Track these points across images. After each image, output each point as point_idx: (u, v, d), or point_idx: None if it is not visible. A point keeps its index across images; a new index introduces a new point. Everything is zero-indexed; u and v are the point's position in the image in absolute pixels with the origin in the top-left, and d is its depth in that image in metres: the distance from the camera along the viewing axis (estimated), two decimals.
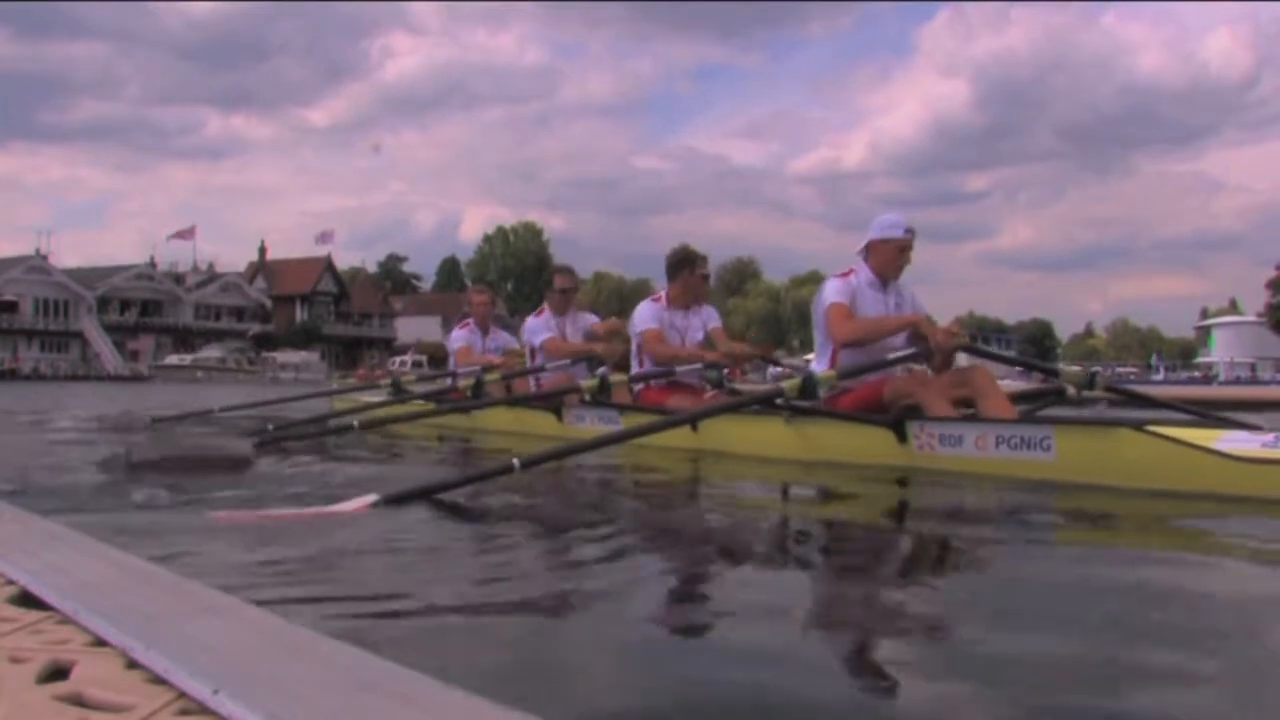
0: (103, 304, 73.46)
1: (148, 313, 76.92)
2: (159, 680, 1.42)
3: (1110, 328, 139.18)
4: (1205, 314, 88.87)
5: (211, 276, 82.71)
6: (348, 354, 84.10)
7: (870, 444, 5.24)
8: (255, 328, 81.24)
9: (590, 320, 8.88)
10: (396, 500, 3.91)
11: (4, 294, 68.93)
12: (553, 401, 7.56)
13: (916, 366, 5.77)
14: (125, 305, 75.89)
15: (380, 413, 8.23)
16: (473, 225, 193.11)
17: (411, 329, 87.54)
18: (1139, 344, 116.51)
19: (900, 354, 5.46)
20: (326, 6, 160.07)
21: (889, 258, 5.93)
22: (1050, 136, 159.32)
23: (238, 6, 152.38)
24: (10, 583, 1.98)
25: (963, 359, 5.96)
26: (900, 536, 3.75)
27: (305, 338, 79.79)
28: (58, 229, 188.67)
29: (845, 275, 5.97)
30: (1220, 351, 65.42)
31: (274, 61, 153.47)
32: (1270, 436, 4.19)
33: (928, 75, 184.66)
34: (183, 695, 1.37)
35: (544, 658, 2.09)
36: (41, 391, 29.36)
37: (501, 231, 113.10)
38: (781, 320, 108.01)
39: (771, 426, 5.76)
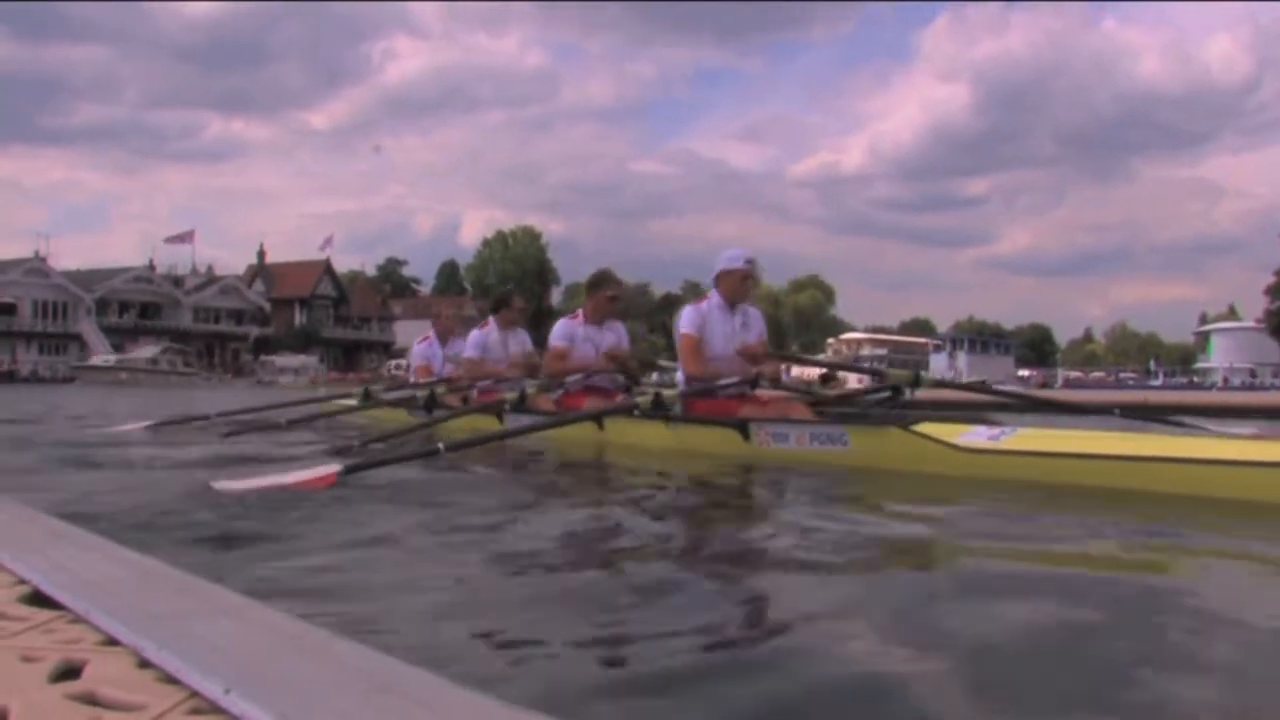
0: (101, 306, 73.59)
1: (146, 315, 76.99)
2: (171, 680, 1.42)
3: (1109, 333, 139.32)
4: (1204, 319, 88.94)
5: (210, 279, 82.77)
6: (347, 357, 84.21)
7: (725, 441, 6.63)
8: (254, 331, 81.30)
9: (525, 338, 10.16)
10: (355, 469, 4.85)
11: (2, 296, 69.08)
12: (495, 409, 8.38)
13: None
14: (124, 308, 76.01)
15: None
16: (472, 229, 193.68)
17: (410, 332, 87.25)
18: (1138, 349, 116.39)
19: (730, 382, 6.90)
20: (328, 8, 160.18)
21: (733, 285, 7.19)
22: (1050, 141, 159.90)
23: (237, 9, 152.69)
24: (22, 582, 1.98)
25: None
26: (736, 512, 4.89)
27: (304, 341, 79.82)
28: (57, 232, 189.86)
29: (699, 303, 7.33)
30: (1219, 357, 65.50)
31: (274, 65, 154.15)
32: (997, 431, 5.49)
33: (927, 79, 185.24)
34: (194, 695, 1.36)
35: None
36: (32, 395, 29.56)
37: (501, 235, 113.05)
38: (781, 324, 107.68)
39: (657, 429, 7.14)
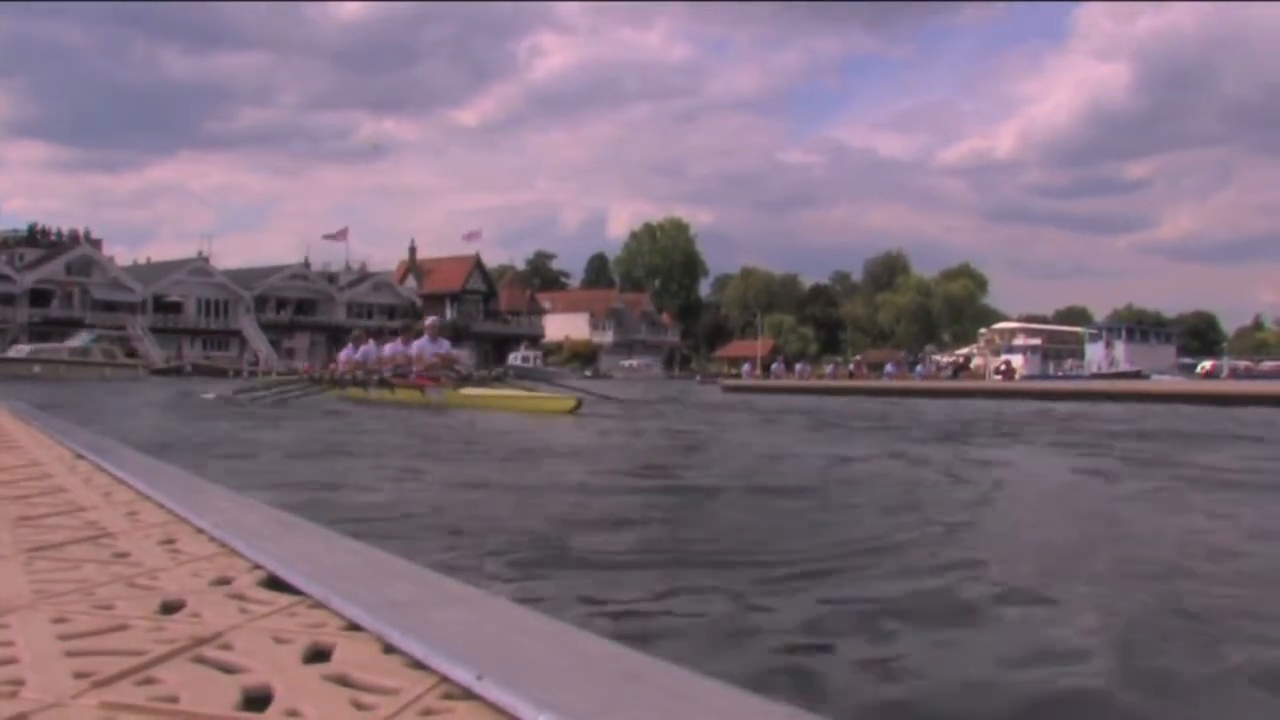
0: (260, 303, 76.08)
1: (303, 311, 79.33)
2: (418, 665, 1.44)
3: None
4: None
5: (363, 276, 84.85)
6: (497, 351, 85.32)
7: (418, 396, 15.93)
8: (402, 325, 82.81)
9: (446, 346, 18.11)
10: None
11: (169, 295, 71.83)
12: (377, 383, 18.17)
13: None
14: (281, 304, 78.44)
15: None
16: (619, 222, 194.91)
17: (560, 325, 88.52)
18: None
19: (427, 368, 17.12)
20: (474, 8, 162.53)
21: (432, 331, 17.39)
22: (1218, 119, 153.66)
23: (386, 9, 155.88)
24: (258, 567, 2.04)
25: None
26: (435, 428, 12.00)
27: (455, 335, 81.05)
28: (221, 232, 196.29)
29: (422, 338, 17.33)
30: None
31: (424, 65, 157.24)
32: (489, 389, 16.17)
33: (1083, 59, 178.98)
34: (444, 680, 1.38)
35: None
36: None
37: (649, 228, 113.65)
38: (931, 314, 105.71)
39: (396, 391, 16.82)
